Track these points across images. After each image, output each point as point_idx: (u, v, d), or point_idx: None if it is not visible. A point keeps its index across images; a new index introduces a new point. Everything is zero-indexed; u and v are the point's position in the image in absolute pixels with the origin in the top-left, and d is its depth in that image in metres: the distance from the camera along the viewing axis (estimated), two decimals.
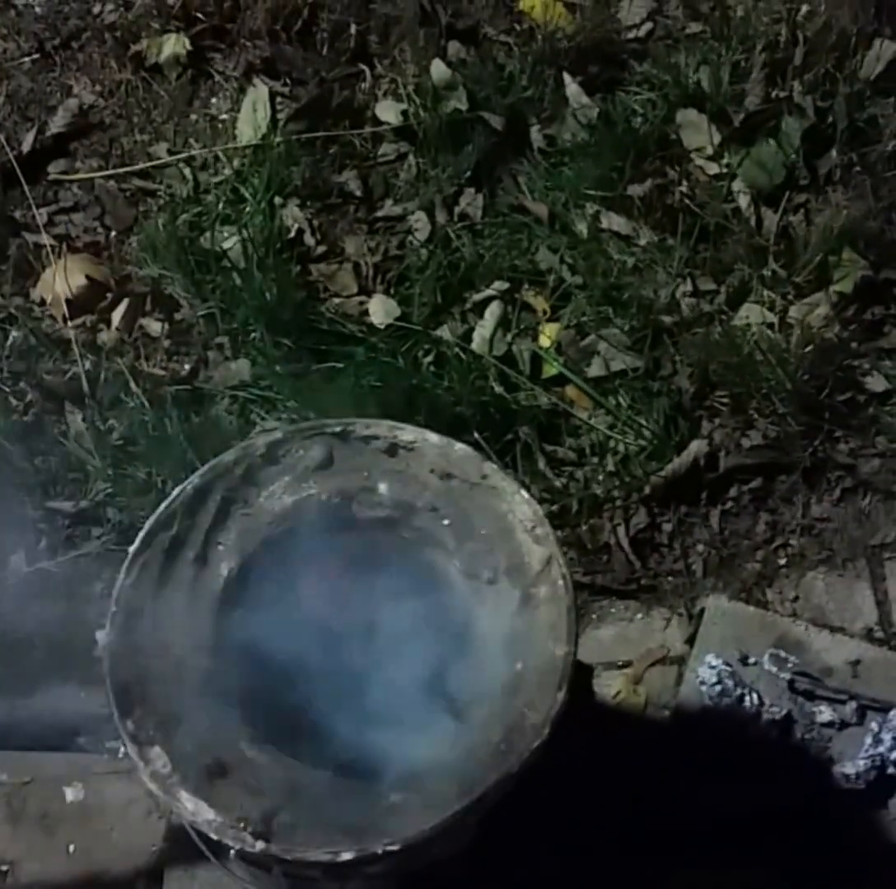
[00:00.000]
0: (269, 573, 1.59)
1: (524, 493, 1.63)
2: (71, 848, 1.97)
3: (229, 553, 1.60)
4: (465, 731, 1.49)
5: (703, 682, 2.09)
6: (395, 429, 1.68)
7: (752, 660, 2.11)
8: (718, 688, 2.07)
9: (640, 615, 2.25)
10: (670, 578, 2.27)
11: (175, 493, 1.61)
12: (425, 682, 1.54)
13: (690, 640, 2.18)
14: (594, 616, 2.24)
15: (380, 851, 1.40)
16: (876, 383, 2.38)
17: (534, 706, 1.48)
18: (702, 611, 2.20)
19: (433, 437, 1.68)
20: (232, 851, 1.43)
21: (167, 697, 1.49)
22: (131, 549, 1.57)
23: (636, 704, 2.16)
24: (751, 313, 2.41)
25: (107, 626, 1.52)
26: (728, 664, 2.09)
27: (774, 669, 2.09)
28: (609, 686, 2.17)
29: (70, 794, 2.03)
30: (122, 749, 1.93)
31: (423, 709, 1.53)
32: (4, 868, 1.96)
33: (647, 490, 2.28)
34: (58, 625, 2.08)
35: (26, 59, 2.63)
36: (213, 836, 1.42)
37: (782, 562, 2.28)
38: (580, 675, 2.14)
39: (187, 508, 1.60)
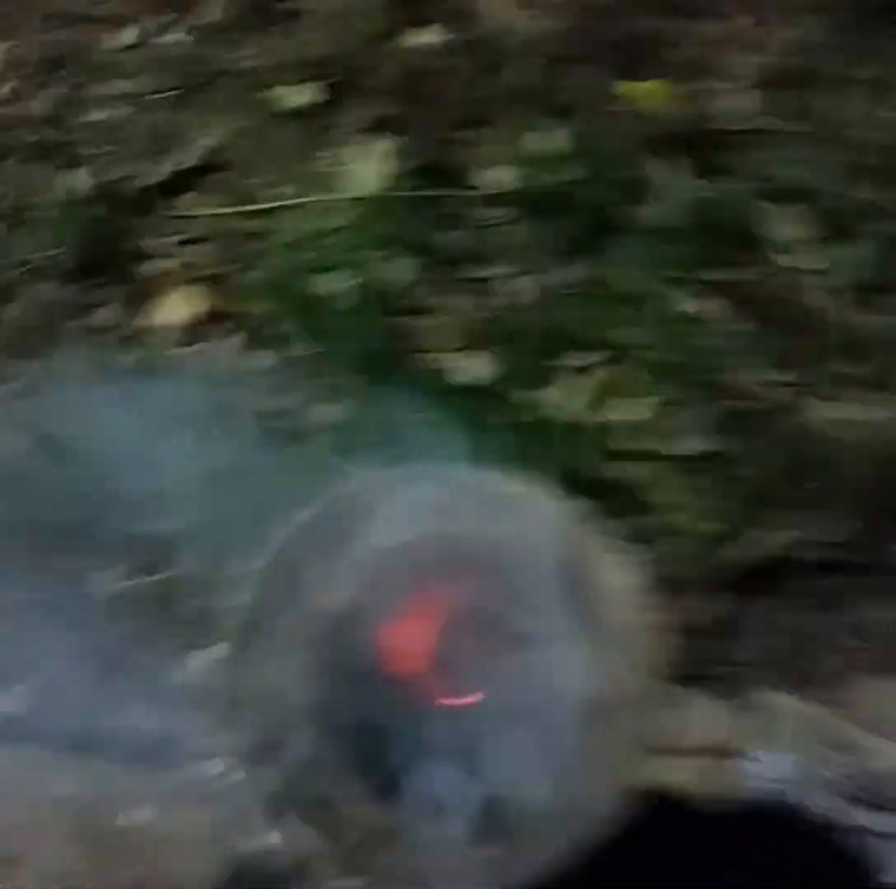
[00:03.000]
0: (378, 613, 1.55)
1: (616, 546, 1.61)
2: (130, 871, 1.89)
3: (342, 586, 1.56)
4: (562, 791, 1.44)
5: (756, 777, 2.02)
6: (502, 478, 1.66)
7: (807, 760, 2.04)
8: (772, 784, 2.01)
9: (698, 704, 2.15)
10: (732, 668, 2.18)
11: (292, 520, 1.60)
12: (519, 736, 1.50)
13: (747, 734, 2.12)
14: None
15: None
16: None
17: (621, 773, 1.43)
18: (761, 706, 2.14)
19: (535, 487, 1.65)
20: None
21: (275, 720, 1.45)
22: (255, 565, 1.54)
23: (686, 791, 2.10)
24: (837, 410, 2.37)
25: (218, 641, 1.49)
26: (783, 762, 2.03)
27: (830, 772, 2.02)
28: (662, 775, 2.11)
29: (136, 815, 1.94)
30: (209, 771, 1.89)
31: (519, 763, 1.48)
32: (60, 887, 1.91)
33: (716, 575, 2.22)
34: (142, 645, 2.05)
35: (168, 94, 2.63)
36: (308, 867, 1.38)
37: (850, 664, 2.18)
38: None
39: (300, 540, 1.58)
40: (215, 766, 1.84)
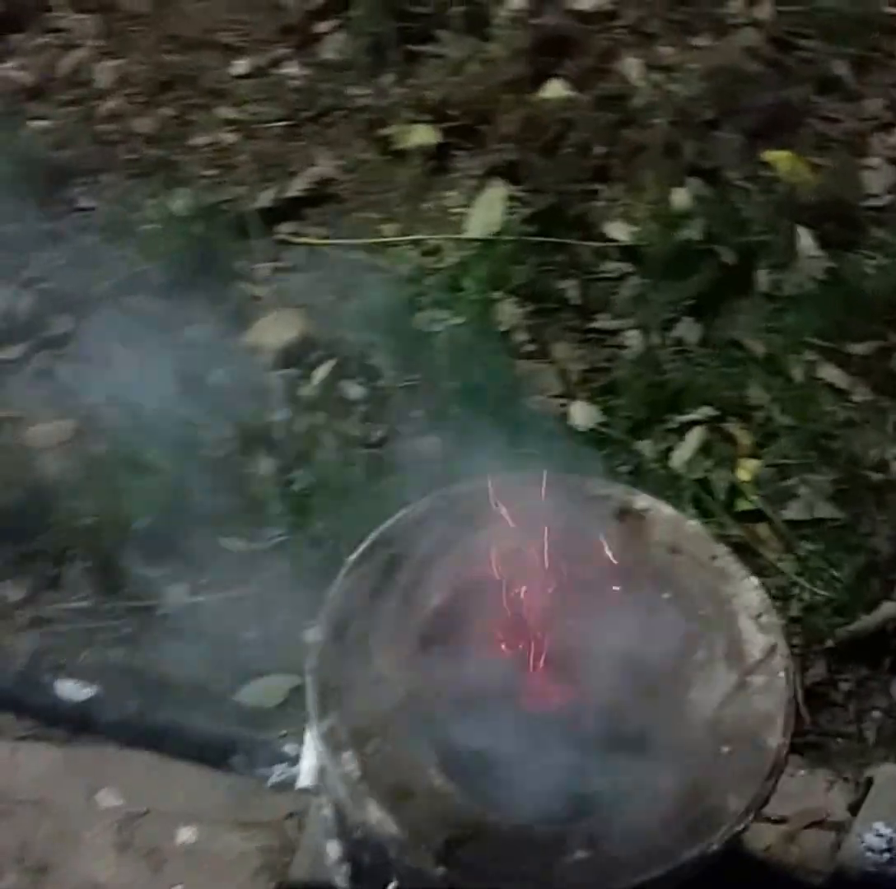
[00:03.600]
0: (476, 612, 1.45)
1: (754, 580, 1.47)
2: None
3: (439, 586, 1.47)
4: (663, 802, 1.28)
5: (869, 849, 1.82)
6: (629, 493, 1.55)
7: None
8: (887, 856, 1.82)
9: (803, 772, 2.00)
10: (840, 740, 2.00)
11: (400, 513, 1.53)
12: (628, 745, 1.35)
13: (853, 808, 1.92)
14: None
15: None
16: None
17: (737, 792, 1.27)
18: (869, 779, 1.96)
19: (666, 510, 1.54)
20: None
21: (364, 709, 1.37)
22: (351, 557, 1.48)
23: (788, 863, 1.92)
24: None
25: (317, 625, 1.41)
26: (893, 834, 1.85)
27: None
28: (761, 840, 1.94)
29: (183, 834, 1.80)
30: (273, 776, 1.74)
31: (620, 771, 1.33)
32: None
33: (829, 643, 2.06)
34: (205, 660, 1.92)
35: (277, 124, 2.58)
36: (393, 854, 1.28)
37: None
38: None
39: (408, 533, 1.50)
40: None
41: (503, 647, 1.45)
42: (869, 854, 1.83)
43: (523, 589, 1.45)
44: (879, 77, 2.65)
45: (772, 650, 1.42)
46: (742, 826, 1.27)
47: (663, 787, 1.31)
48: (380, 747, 1.33)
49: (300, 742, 1.63)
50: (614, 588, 1.49)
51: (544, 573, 1.46)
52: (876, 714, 2.05)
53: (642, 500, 1.56)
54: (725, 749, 1.34)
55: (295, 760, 1.66)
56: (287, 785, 1.69)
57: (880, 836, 1.84)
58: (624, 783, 1.33)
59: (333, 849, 1.46)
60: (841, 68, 2.64)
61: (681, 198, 2.42)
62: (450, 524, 1.51)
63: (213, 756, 1.74)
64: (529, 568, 1.46)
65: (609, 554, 1.50)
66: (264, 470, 2.10)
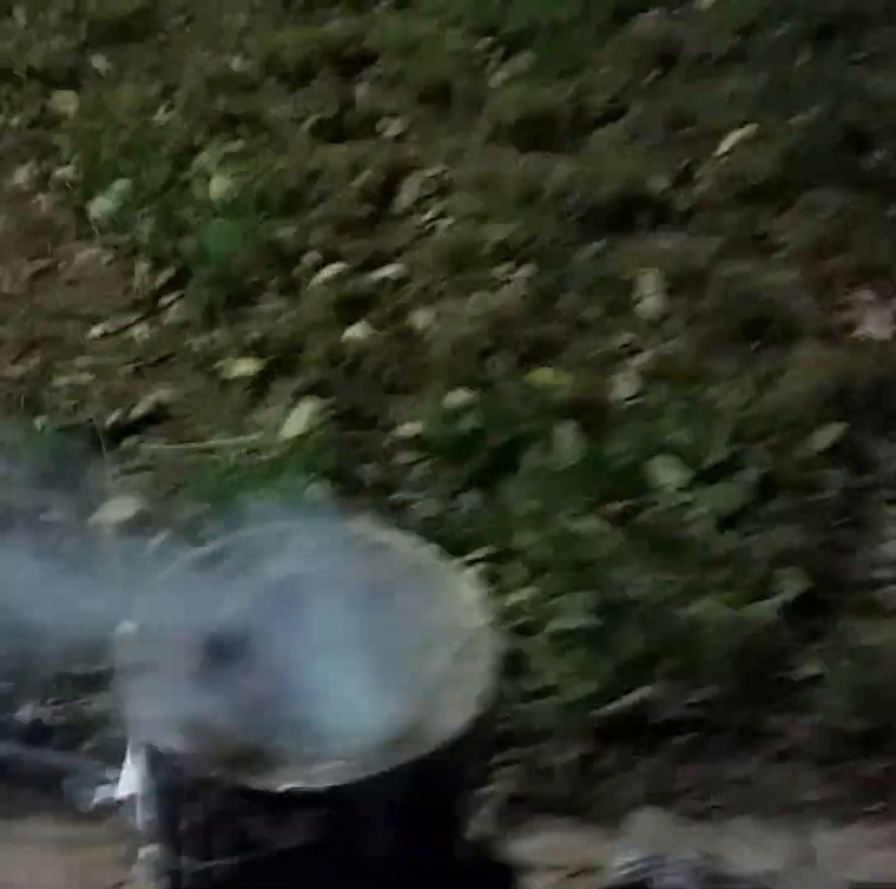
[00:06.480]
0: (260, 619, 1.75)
1: (471, 583, 1.84)
2: None
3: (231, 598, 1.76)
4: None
5: (621, 870, 2.00)
6: (378, 532, 1.93)
7: (670, 858, 2.02)
8: (633, 869, 1.98)
9: (574, 831, 2.18)
10: (605, 803, 2.20)
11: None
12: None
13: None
14: (530, 826, 2.17)
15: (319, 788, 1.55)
16: (809, 668, 2.40)
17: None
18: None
19: (406, 540, 1.91)
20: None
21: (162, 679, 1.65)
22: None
23: None
24: (703, 607, 2.49)
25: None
26: (647, 859, 2.01)
27: (690, 861, 2.00)
28: (535, 885, 2.08)
29: None
30: (95, 799, 1.89)
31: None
32: None
33: (592, 723, 2.28)
34: None
35: (125, 368, 2.95)
36: (179, 762, 1.58)
37: (712, 803, 2.21)
38: (507, 874, 2.08)
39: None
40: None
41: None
42: (621, 871, 2.00)
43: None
44: (626, 318, 3.10)
45: (481, 632, 1.74)
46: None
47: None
48: (171, 698, 1.62)
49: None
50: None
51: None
52: (636, 781, 2.24)
53: (385, 535, 1.90)
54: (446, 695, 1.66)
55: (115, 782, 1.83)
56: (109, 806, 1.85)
57: (631, 857, 2.01)
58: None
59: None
60: (593, 312, 3.10)
61: (459, 396, 2.80)
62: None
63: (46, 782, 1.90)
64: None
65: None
66: None
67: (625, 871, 1.98)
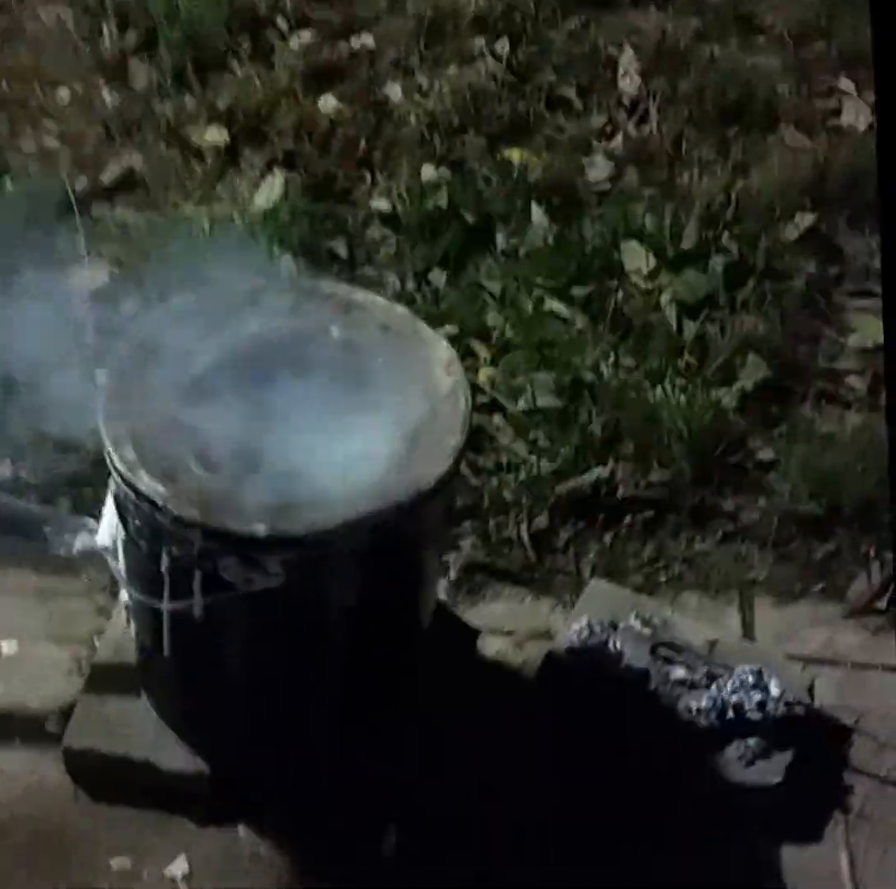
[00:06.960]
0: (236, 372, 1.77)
1: (445, 342, 1.84)
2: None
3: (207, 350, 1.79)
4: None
5: (573, 633, 2.07)
6: (352, 291, 1.92)
7: (621, 625, 2.09)
8: (586, 634, 2.05)
9: (529, 600, 2.25)
10: (560, 575, 2.27)
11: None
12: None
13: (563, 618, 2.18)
14: (488, 594, 2.24)
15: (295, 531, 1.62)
16: (764, 453, 2.46)
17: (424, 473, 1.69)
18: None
19: (380, 300, 1.91)
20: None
21: (140, 425, 1.69)
22: None
23: (513, 663, 2.15)
24: (664, 391, 2.52)
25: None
26: (599, 623, 2.08)
27: (639, 628, 2.06)
28: (492, 647, 2.15)
29: (4, 647, 2.10)
30: (76, 546, 1.90)
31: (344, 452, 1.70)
32: None
33: (551, 499, 2.33)
34: None
35: (93, 133, 2.87)
36: (160, 502, 1.62)
37: (662, 579, 2.27)
38: (467, 636, 2.16)
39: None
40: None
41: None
42: (573, 636, 2.07)
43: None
44: (603, 99, 3.04)
45: (455, 387, 1.76)
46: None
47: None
48: (152, 446, 1.66)
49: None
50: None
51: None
52: (591, 556, 2.31)
53: (360, 295, 1.91)
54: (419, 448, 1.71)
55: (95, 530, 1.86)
56: (90, 553, 1.88)
57: (583, 624, 2.08)
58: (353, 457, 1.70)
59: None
60: (569, 92, 3.03)
61: (430, 173, 2.75)
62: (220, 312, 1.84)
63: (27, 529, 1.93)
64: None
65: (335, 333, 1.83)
66: None
67: (577, 637, 2.04)
